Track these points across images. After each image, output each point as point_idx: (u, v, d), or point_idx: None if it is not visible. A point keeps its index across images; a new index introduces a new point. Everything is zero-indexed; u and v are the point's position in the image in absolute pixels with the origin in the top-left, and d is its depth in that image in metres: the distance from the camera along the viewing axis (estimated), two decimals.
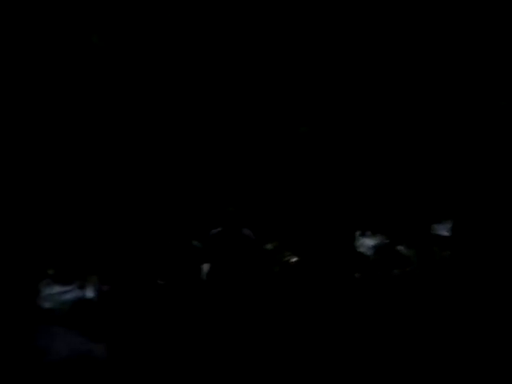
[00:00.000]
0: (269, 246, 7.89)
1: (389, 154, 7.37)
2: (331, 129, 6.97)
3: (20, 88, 6.04)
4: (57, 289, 7.29)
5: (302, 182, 7.13)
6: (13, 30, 6.09)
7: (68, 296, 6.91)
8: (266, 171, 7.24)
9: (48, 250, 6.90)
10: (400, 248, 8.62)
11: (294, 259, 8.05)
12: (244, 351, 5.06)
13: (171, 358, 4.81)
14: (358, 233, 8.68)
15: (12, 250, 5.56)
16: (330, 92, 6.83)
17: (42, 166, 6.09)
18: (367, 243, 8.67)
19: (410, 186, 7.83)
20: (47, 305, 6.60)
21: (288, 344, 5.22)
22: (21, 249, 5.72)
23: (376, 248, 8.62)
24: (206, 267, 5.65)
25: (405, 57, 6.77)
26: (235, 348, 5.09)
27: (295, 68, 6.74)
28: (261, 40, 6.62)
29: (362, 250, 8.64)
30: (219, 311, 5.43)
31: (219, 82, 6.73)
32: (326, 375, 4.42)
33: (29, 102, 6.04)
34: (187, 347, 5.03)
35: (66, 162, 6.34)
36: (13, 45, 6.07)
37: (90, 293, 6.56)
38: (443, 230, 8.05)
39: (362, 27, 6.67)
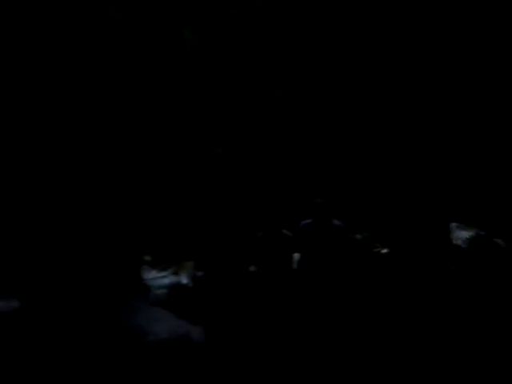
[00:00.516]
0: (358, 237, 7.83)
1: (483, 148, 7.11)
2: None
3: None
4: (153, 274, 7.65)
5: (395, 171, 7.01)
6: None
7: (164, 281, 7.23)
8: (357, 162, 7.19)
9: (145, 238, 7.23)
10: (497, 240, 8.24)
11: (384, 250, 7.93)
12: (335, 339, 5.07)
13: (264, 344, 4.91)
14: (453, 224, 8.40)
15: (114, 238, 5.90)
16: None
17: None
18: (463, 235, 8.36)
19: (502, 178, 7.50)
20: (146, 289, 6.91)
21: (381, 336, 5.17)
22: (122, 236, 6.05)
23: (471, 240, 8.28)
24: (296, 256, 5.72)
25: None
26: (326, 336, 5.12)
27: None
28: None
29: (457, 242, 8.34)
30: (310, 299, 5.47)
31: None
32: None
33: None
34: (279, 333, 5.11)
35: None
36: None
37: (184, 279, 6.83)
38: None
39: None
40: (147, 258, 7.84)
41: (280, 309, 5.50)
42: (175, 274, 7.26)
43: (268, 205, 6.27)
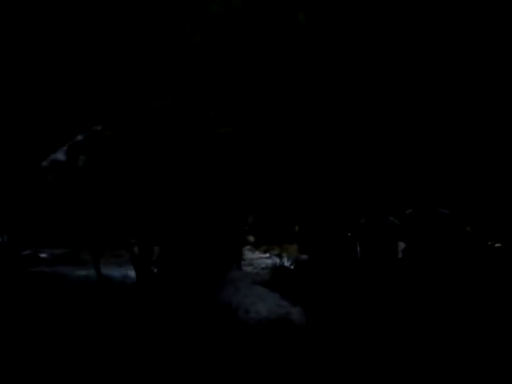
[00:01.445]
0: (468, 229, 7.46)
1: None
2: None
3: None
4: (257, 255, 7.82)
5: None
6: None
7: (267, 262, 7.37)
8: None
9: (248, 220, 7.41)
10: None
11: (497, 245, 7.49)
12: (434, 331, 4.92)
13: (361, 331, 4.86)
14: None
15: (218, 219, 6.10)
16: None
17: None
18: None
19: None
20: (249, 269, 7.11)
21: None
22: (228, 220, 6.24)
23: None
24: (402, 245, 5.57)
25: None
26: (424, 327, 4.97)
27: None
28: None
29: None
30: (414, 289, 5.33)
31: None
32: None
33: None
34: (377, 321, 5.04)
35: None
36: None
37: (287, 261, 6.91)
38: None
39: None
40: (251, 238, 8.02)
41: (382, 297, 5.42)
42: (278, 255, 7.36)
43: (374, 192, 6.16)
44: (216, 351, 4.55)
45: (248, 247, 7.94)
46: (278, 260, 7.17)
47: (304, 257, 5.82)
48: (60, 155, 6.74)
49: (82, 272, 6.53)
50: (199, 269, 5.86)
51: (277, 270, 6.45)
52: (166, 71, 6.16)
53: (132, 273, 6.15)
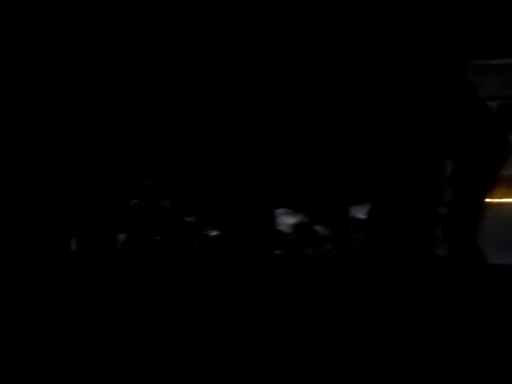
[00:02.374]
0: (189, 219, 7.87)
1: (311, 138, 7.53)
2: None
3: None
4: None
5: (221, 156, 7.13)
6: None
7: None
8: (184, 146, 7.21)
9: None
10: (317, 227, 8.85)
11: (214, 233, 8.07)
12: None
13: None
14: (279, 210, 8.81)
15: None
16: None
17: None
18: (287, 221, 8.83)
19: (331, 170, 8.04)
20: None
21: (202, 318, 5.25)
22: None
23: (295, 227, 8.81)
24: (122, 237, 5.56)
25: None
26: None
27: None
28: None
29: (282, 227, 8.79)
30: (133, 282, 5.37)
31: None
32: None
33: None
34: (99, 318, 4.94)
35: None
36: None
37: None
38: (360, 213, 8.32)
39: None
40: None
41: (99, 292, 5.32)
42: None
43: (94, 184, 6.00)
44: None
45: None
46: None
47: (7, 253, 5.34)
48: None
49: None
50: None
51: None
52: None
53: None
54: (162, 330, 4.64)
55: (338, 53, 6.89)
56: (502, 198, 5.31)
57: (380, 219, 5.70)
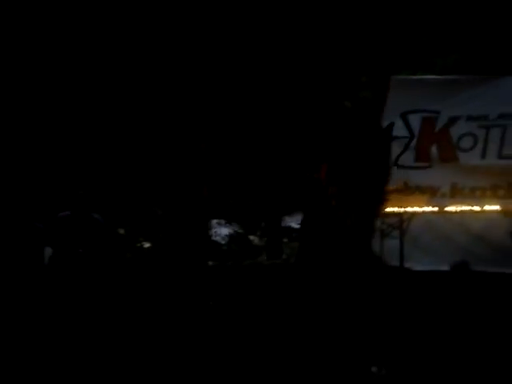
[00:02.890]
0: (121, 231, 7.74)
1: (246, 150, 7.63)
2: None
3: None
4: None
5: (155, 167, 7.09)
6: None
7: None
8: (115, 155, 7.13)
9: None
10: (252, 238, 8.92)
11: (147, 245, 7.97)
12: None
13: None
14: (214, 221, 8.83)
15: None
16: None
17: None
18: (222, 232, 8.85)
19: (264, 181, 8.14)
20: None
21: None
22: None
23: (230, 237, 8.84)
24: (48, 251, 5.38)
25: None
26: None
27: None
28: None
29: (216, 238, 8.80)
30: (59, 297, 5.21)
31: None
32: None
33: None
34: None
35: None
36: None
37: None
38: (293, 222, 8.47)
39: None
40: None
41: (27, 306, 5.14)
42: None
43: (18, 195, 5.80)
44: None
45: None
46: None
47: None
48: None
49: None
50: None
51: None
52: None
53: None
54: (89, 343, 4.56)
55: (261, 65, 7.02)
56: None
57: (311, 228, 5.82)
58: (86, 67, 6.84)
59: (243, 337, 4.81)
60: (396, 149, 6.21)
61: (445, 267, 5.71)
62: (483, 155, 6.01)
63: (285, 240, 8.64)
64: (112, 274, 5.89)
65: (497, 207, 5.55)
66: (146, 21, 6.64)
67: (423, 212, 5.79)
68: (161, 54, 6.55)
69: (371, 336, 4.36)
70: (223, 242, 8.75)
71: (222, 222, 8.83)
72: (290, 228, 8.56)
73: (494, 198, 5.84)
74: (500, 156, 5.94)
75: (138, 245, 7.71)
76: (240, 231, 8.95)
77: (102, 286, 5.42)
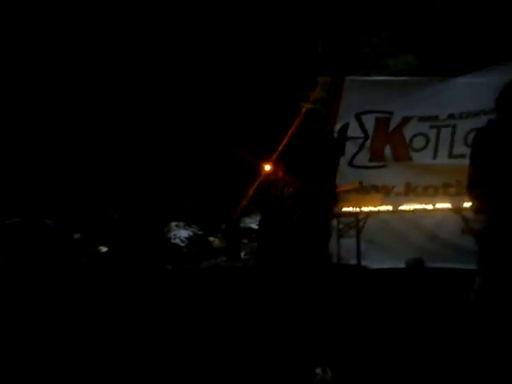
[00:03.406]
0: (77, 236, 7.58)
1: (203, 152, 7.61)
2: None
3: None
4: None
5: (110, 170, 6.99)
6: None
7: None
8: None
9: None
10: (212, 239, 8.87)
11: (104, 249, 7.82)
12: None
13: None
14: (172, 224, 8.74)
15: None
16: None
17: None
18: (181, 234, 8.76)
19: (222, 182, 8.13)
20: None
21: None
22: None
23: (189, 239, 8.76)
24: None
25: None
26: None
27: None
28: None
29: (176, 241, 8.70)
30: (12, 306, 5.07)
31: None
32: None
33: None
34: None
35: None
36: None
37: None
38: (253, 223, 8.46)
39: None
40: None
41: None
42: None
43: None
44: None
45: None
46: None
47: None
48: None
49: None
50: None
51: None
52: None
53: None
54: (39, 353, 4.47)
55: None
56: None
57: (268, 229, 5.82)
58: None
59: (202, 339, 4.79)
60: (351, 149, 6.30)
61: (401, 265, 5.83)
62: (435, 155, 6.12)
63: (244, 241, 8.63)
64: (66, 280, 5.77)
65: (448, 205, 5.64)
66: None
67: (378, 211, 5.85)
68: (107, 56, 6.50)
69: (323, 335, 4.38)
70: (183, 245, 8.68)
71: (181, 224, 8.75)
72: (249, 229, 8.55)
73: (446, 196, 5.95)
74: (450, 155, 6.06)
75: (95, 249, 7.57)
76: (200, 233, 8.89)
77: (54, 294, 5.30)
